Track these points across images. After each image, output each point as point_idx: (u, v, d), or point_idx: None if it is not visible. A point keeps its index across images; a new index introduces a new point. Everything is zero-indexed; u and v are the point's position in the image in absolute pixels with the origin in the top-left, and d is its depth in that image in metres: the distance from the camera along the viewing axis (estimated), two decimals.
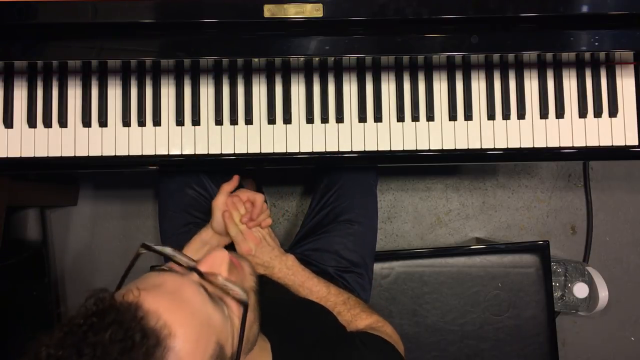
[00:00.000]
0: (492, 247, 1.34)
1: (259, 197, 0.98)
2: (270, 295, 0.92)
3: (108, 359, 0.49)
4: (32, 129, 1.03)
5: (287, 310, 0.87)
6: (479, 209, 1.80)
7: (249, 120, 1.03)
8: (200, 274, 0.59)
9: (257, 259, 0.97)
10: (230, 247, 1.00)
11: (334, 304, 0.95)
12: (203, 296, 0.57)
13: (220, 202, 0.97)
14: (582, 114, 1.04)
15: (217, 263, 0.62)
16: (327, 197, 1.15)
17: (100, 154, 1.03)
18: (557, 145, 1.04)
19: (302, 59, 1.02)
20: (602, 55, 1.03)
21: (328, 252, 1.10)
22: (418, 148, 1.04)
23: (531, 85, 1.05)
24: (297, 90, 1.04)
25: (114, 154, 1.03)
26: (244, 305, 0.60)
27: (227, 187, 1.00)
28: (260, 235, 0.98)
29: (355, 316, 0.93)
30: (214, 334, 0.56)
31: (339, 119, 1.03)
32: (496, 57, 1.03)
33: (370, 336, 0.86)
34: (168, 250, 0.62)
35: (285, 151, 1.03)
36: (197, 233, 1.01)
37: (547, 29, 0.94)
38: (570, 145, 1.04)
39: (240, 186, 1.58)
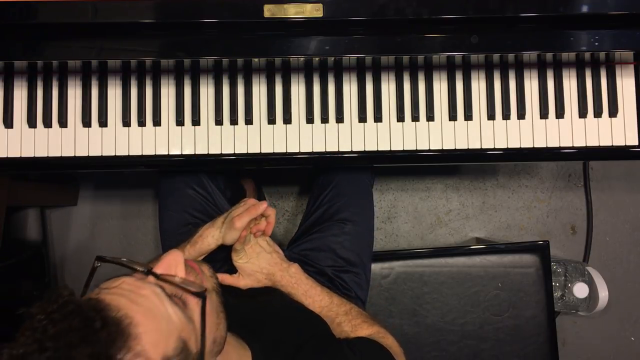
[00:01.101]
0: (492, 247, 1.34)
1: (273, 214, 0.95)
2: (258, 302, 0.92)
3: (70, 349, 0.49)
4: (32, 129, 1.03)
5: (273, 317, 0.86)
6: (479, 209, 1.80)
7: (249, 120, 1.03)
8: (156, 276, 0.61)
9: (254, 265, 0.96)
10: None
11: (336, 314, 0.94)
12: (161, 296, 0.59)
13: (245, 222, 0.92)
14: (582, 114, 1.04)
15: (173, 265, 0.63)
16: (322, 196, 1.16)
17: (100, 154, 1.03)
18: (557, 145, 1.04)
19: (302, 59, 1.02)
20: (602, 55, 1.03)
21: (324, 251, 1.10)
22: (418, 148, 1.04)
23: (531, 85, 1.05)
24: (297, 90, 1.04)
25: (114, 154, 1.03)
26: (202, 296, 0.61)
27: (255, 211, 0.93)
28: (254, 242, 0.97)
29: (356, 327, 0.93)
30: (175, 330, 0.58)
31: (339, 119, 1.03)
32: (496, 57, 1.03)
33: (362, 342, 0.85)
34: (123, 260, 0.63)
35: (285, 151, 1.03)
36: (191, 243, 0.96)
37: (547, 29, 0.94)
38: (570, 145, 1.04)
39: (240, 187, 1.58)
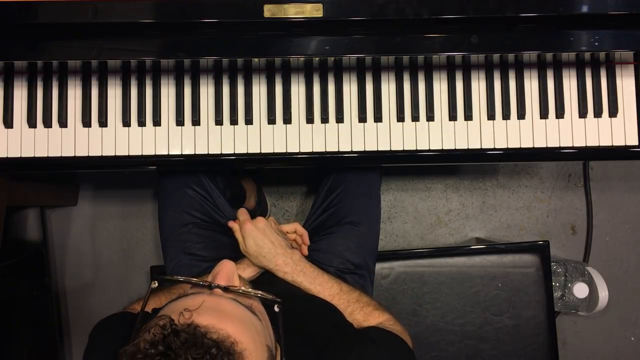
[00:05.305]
0: (492, 247, 1.34)
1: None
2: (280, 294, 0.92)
3: None
4: (32, 129, 1.03)
5: (297, 310, 0.86)
6: (479, 209, 1.80)
7: (249, 120, 1.03)
8: (224, 288, 0.62)
9: (255, 245, 0.96)
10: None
11: (347, 302, 0.93)
12: (241, 308, 0.60)
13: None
14: (582, 114, 1.04)
15: (230, 275, 0.65)
16: (331, 198, 1.15)
17: (100, 154, 1.03)
18: (557, 145, 1.04)
19: (302, 59, 1.02)
20: (602, 55, 1.03)
21: (330, 253, 1.10)
22: (418, 148, 1.04)
23: (531, 85, 1.05)
24: (297, 90, 1.04)
25: (114, 154, 1.03)
26: (280, 303, 0.63)
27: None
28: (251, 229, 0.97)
29: (368, 315, 0.92)
30: (263, 339, 0.58)
31: (339, 119, 1.03)
32: (496, 57, 1.03)
33: (380, 331, 0.85)
34: (181, 278, 0.65)
35: (285, 151, 1.03)
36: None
37: (547, 29, 0.94)
38: (570, 145, 1.04)
39: (240, 186, 1.58)
